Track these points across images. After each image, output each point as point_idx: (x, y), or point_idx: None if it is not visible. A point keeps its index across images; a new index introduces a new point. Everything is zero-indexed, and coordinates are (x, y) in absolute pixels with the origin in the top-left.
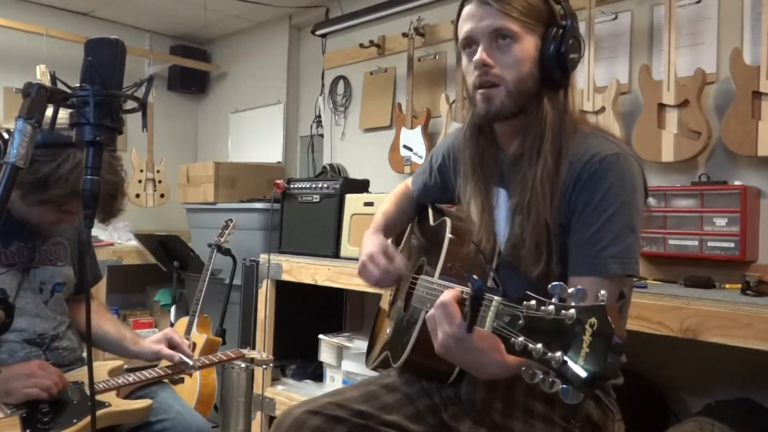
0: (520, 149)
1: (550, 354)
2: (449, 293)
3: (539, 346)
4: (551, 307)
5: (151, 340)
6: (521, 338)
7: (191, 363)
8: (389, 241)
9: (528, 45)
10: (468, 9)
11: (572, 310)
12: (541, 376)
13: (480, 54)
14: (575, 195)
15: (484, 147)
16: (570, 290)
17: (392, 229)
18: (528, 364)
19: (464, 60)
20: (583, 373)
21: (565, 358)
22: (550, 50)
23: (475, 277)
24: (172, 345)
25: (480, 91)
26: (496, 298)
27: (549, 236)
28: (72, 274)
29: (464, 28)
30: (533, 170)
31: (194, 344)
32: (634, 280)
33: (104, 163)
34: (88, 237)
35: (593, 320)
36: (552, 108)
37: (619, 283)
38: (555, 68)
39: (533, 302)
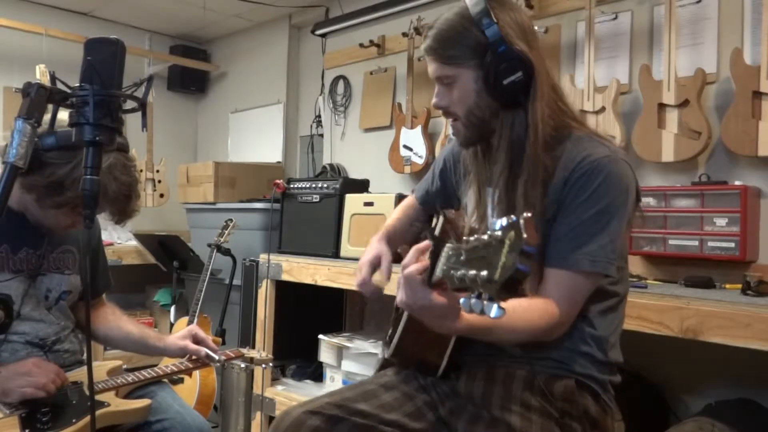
0: (490, 166)
1: (476, 273)
2: (414, 262)
3: (472, 271)
4: (485, 235)
5: (176, 336)
6: (460, 270)
7: (217, 357)
8: (388, 250)
9: (466, 81)
10: None
11: (498, 232)
12: (473, 301)
13: (433, 99)
14: (564, 193)
15: (478, 150)
16: (505, 220)
17: (399, 234)
18: (467, 297)
19: None
20: (498, 281)
21: (488, 273)
22: (487, 80)
23: (438, 236)
24: (197, 340)
25: (450, 123)
26: (447, 245)
27: None
28: (79, 282)
29: None
30: (494, 190)
31: None
32: (633, 279)
33: (118, 165)
34: (99, 242)
35: (511, 233)
36: (509, 128)
37: (593, 279)
38: (499, 94)
39: (473, 236)
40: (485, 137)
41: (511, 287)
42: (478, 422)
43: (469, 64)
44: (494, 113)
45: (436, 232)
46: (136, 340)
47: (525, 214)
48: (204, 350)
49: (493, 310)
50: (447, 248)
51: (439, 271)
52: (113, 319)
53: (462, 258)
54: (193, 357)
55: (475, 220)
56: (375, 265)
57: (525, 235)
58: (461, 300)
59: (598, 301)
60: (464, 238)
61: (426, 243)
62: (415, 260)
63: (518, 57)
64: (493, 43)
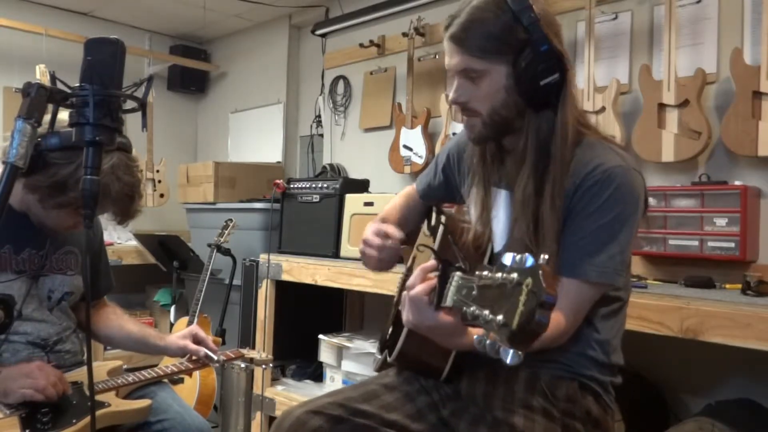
0: (511, 168)
1: (491, 317)
2: (421, 285)
3: (486, 312)
4: (498, 273)
5: (176, 336)
6: (473, 307)
7: (216, 357)
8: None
9: (496, 77)
10: (444, 43)
11: (514, 274)
12: (488, 342)
13: (452, 94)
14: (574, 201)
15: (488, 149)
16: (518, 257)
17: (394, 222)
18: (480, 333)
19: None
20: (516, 330)
21: (505, 319)
22: (521, 78)
23: (446, 259)
24: (197, 341)
25: (464, 118)
26: (457, 273)
27: (531, 249)
28: (81, 284)
29: (445, 61)
30: (518, 195)
31: None
32: (633, 279)
33: (121, 165)
34: (101, 244)
35: (528, 280)
36: (536, 130)
37: (599, 289)
38: (531, 94)
39: (485, 272)
40: (502, 136)
41: (528, 336)
42: (480, 423)
43: (502, 60)
44: (520, 113)
45: (438, 236)
46: (137, 340)
47: (543, 257)
48: (204, 350)
49: (509, 356)
50: (457, 277)
51: (449, 301)
52: (114, 318)
53: (474, 293)
54: (193, 357)
55: (479, 223)
56: (381, 236)
57: (544, 285)
58: (475, 337)
59: (602, 305)
60: (477, 272)
61: (432, 263)
62: (420, 281)
63: (558, 57)
64: (536, 41)
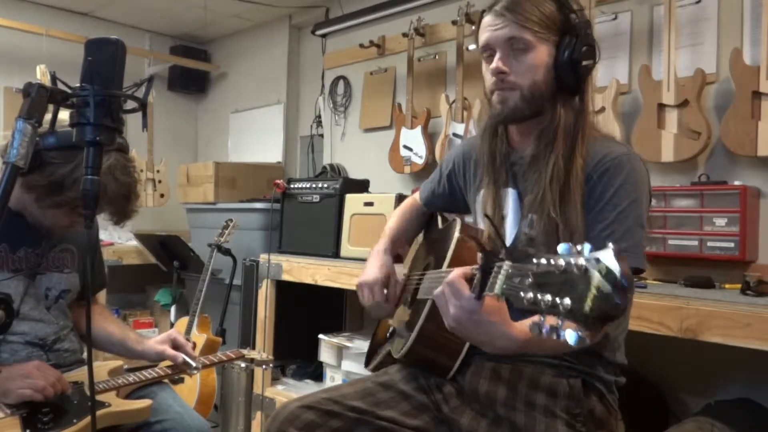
0: (535, 151)
1: (557, 300)
2: (457, 271)
3: (548, 296)
4: (561, 261)
5: (155, 340)
6: (530, 293)
7: (194, 364)
8: (394, 266)
9: (541, 53)
10: (487, 19)
11: (582, 259)
12: (548, 328)
13: (496, 62)
14: (586, 193)
15: (498, 147)
16: (579, 247)
17: (400, 240)
18: (537, 321)
19: (483, 66)
20: (590, 313)
21: (573, 303)
22: (563, 58)
23: (489, 250)
24: (176, 346)
25: (496, 92)
26: (506, 262)
27: (558, 234)
28: (77, 281)
29: (483, 36)
30: (546, 171)
31: (194, 344)
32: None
33: (118, 166)
34: (96, 242)
35: (602, 265)
36: (566, 112)
37: None
38: (568, 75)
39: (543, 259)
40: (533, 115)
41: (601, 318)
42: (482, 420)
43: (548, 38)
44: (551, 95)
45: (455, 235)
46: (117, 342)
47: (610, 245)
48: (181, 356)
49: (574, 338)
50: (506, 266)
51: (497, 289)
52: (100, 320)
53: (530, 280)
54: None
55: (488, 223)
56: (386, 285)
57: (620, 268)
58: (529, 324)
59: None
60: (535, 260)
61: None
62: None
63: (594, 44)
64: (581, 24)
